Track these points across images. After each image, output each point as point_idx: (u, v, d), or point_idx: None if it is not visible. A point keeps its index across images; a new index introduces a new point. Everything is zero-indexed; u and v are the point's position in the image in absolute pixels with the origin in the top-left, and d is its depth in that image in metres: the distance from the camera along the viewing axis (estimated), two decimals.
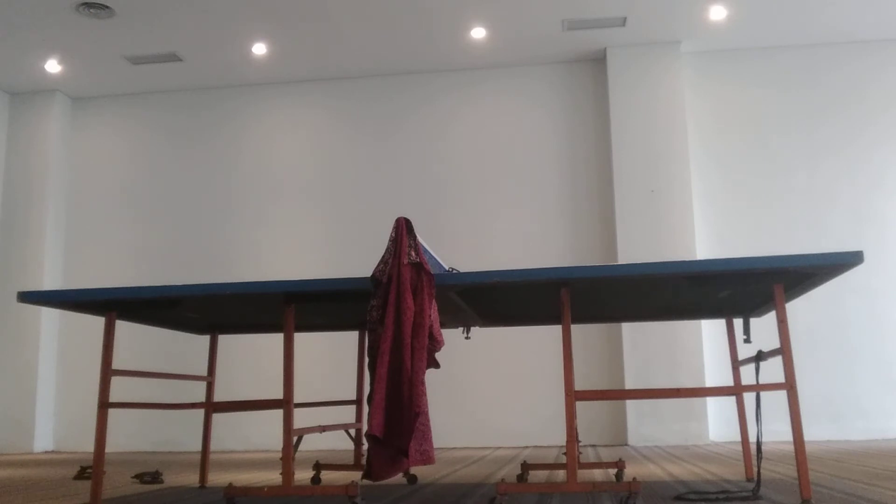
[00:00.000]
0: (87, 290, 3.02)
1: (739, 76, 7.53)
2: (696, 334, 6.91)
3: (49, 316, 7.82)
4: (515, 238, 7.51)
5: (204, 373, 7.39)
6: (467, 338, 3.98)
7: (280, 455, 6.62)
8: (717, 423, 6.95)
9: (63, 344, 7.91)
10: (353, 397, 6.57)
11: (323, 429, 3.70)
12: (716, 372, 7.00)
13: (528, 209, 7.56)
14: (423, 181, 7.75)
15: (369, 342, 2.73)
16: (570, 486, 2.71)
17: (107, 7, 6.54)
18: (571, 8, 6.75)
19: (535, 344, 7.28)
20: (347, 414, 7.06)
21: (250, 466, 5.26)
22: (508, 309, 3.52)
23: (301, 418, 7.24)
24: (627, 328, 6.99)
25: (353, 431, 5.71)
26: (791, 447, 5.83)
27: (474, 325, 3.88)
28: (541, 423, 7.16)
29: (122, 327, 7.50)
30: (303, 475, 4.31)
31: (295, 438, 3.89)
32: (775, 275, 2.74)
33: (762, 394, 6.57)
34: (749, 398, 6.52)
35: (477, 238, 7.55)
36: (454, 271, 2.90)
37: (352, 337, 7.51)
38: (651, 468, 4.39)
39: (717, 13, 6.85)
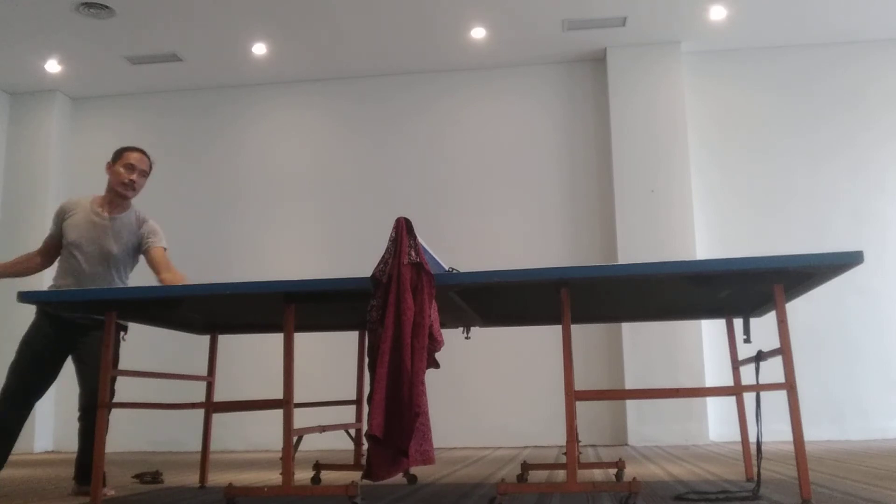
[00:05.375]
0: (87, 290, 3.02)
1: (739, 76, 7.53)
2: (696, 334, 6.91)
3: None
4: (515, 238, 7.51)
5: (204, 373, 7.38)
6: (467, 338, 3.98)
7: (280, 455, 6.62)
8: (717, 423, 6.94)
9: None
10: (353, 397, 6.56)
11: (323, 429, 3.70)
12: (716, 372, 6.99)
13: (528, 209, 7.56)
14: (423, 181, 7.75)
15: (369, 342, 2.73)
16: (570, 486, 2.71)
17: (107, 7, 6.54)
18: (571, 8, 6.75)
19: (535, 344, 7.27)
20: (347, 414, 7.05)
21: (250, 466, 5.26)
22: (508, 309, 3.52)
23: (301, 418, 7.23)
24: (627, 328, 6.99)
25: (353, 431, 5.71)
26: (791, 447, 5.83)
27: (474, 325, 3.88)
28: (541, 423, 7.15)
29: None
30: (303, 475, 4.31)
31: (295, 438, 3.89)
32: (775, 275, 2.74)
33: (762, 394, 6.57)
34: (749, 398, 6.52)
35: (477, 238, 7.55)
36: (454, 271, 2.90)
37: (352, 337, 7.50)
38: (651, 468, 4.39)
39: (717, 13, 6.85)
